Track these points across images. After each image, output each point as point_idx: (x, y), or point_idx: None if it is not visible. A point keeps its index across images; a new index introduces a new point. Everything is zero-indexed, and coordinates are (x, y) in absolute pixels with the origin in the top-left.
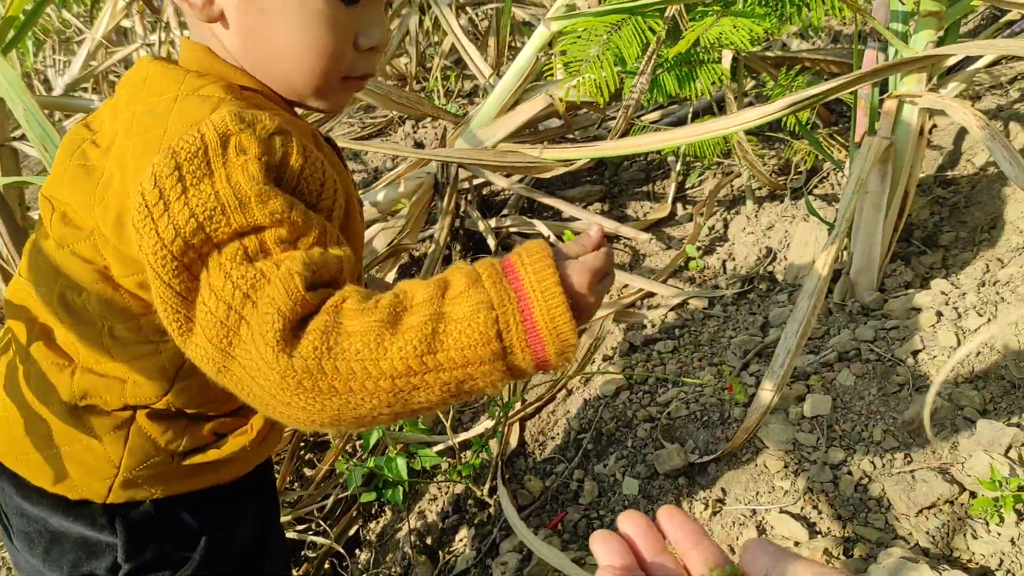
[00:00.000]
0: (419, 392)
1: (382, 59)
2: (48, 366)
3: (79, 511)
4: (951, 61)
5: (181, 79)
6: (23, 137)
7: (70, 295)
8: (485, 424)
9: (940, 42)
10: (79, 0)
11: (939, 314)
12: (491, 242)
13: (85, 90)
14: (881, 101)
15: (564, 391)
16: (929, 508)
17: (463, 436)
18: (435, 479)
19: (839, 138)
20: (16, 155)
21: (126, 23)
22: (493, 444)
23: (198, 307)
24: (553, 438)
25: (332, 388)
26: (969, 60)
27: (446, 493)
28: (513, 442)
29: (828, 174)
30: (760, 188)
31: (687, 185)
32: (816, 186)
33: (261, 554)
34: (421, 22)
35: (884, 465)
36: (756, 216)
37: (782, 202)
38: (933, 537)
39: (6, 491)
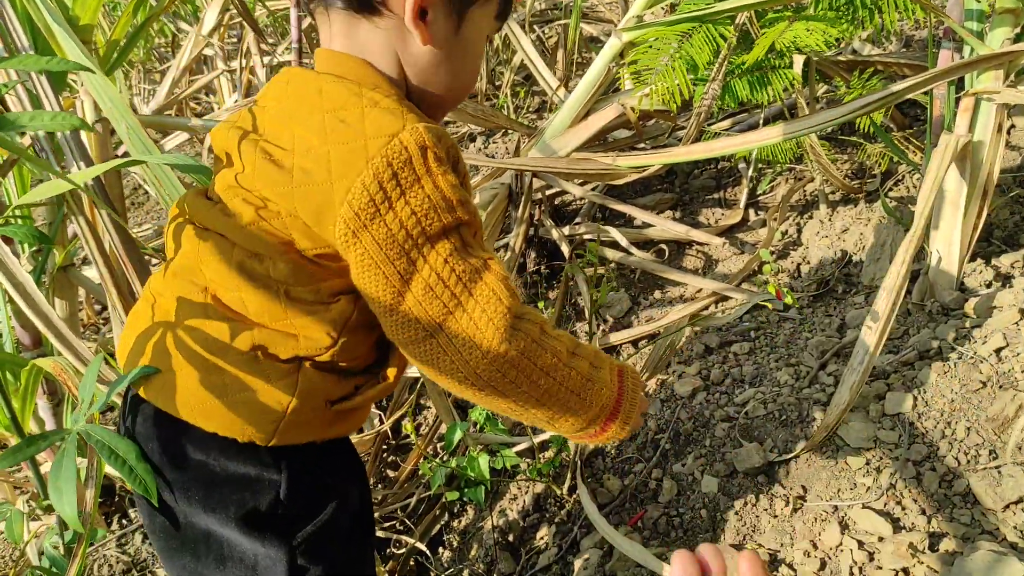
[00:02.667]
0: (553, 401)
1: None
2: (223, 325)
3: (247, 453)
4: None
5: (358, 92)
6: (125, 154)
7: (250, 264)
8: None
9: (1017, 39)
10: (162, 32)
11: (1022, 311)
12: (565, 250)
13: (170, 115)
14: (958, 100)
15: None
16: (1016, 503)
17: (542, 436)
18: (515, 478)
19: (914, 141)
20: (119, 173)
21: (207, 51)
22: (571, 444)
23: (415, 285)
24: (631, 438)
25: (519, 378)
26: None
27: (526, 492)
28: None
29: (903, 176)
30: (833, 192)
31: (759, 191)
32: (891, 189)
33: (357, 530)
34: (491, 40)
35: (969, 461)
36: (830, 220)
37: (856, 206)
38: (1021, 531)
39: (170, 445)
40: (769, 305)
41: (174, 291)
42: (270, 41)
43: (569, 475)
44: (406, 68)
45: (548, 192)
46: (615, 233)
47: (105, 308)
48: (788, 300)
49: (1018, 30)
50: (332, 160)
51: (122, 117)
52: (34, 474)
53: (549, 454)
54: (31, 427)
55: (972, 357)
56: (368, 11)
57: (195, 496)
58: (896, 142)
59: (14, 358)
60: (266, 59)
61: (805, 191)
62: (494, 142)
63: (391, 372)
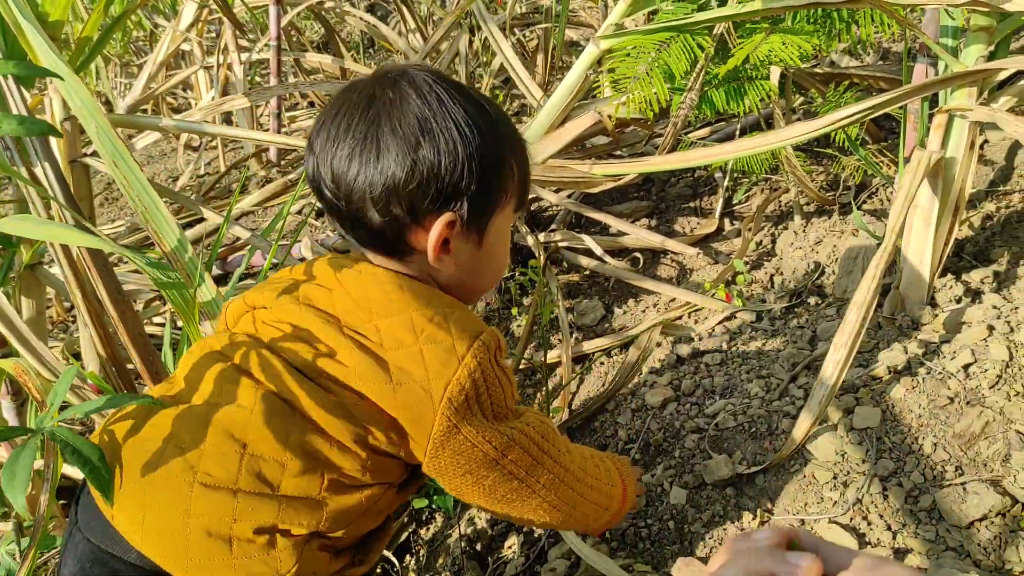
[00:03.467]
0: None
1: None
2: (251, 494)
3: None
4: (1002, 75)
5: (429, 296)
6: (94, 153)
7: (313, 442)
8: None
9: (991, 57)
10: (139, 26)
11: (991, 328)
12: (540, 255)
13: (145, 111)
14: (931, 116)
15: (612, 402)
16: (981, 520)
17: None
18: None
19: (888, 154)
20: (87, 171)
21: (184, 46)
22: None
23: (507, 457)
24: (601, 447)
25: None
26: (1021, 75)
27: None
28: None
29: (877, 189)
30: (808, 204)
31: (734, 201)
32: (865, 201)
33: None
34: (471, 42)
35: (935, 477)
36: (804, 231)
37: (830, 217)
38: (985, 549)
39: None
40: (744, 318)
41: (195, 430)
42: (249, 37)
43: None
44: (440, 283)
45: None
46: (589, 241)
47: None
48: (737, 303)
49: (992, 48)
50: (427, 359)
51: (91, 117)
52: None
53: None
54: None
55: (940, 373)
56: (397, 256)
57: None
58: (871, 155)
59: None
60: (244, 55)
61: (780, 202)
62: None
63: (372, 557)
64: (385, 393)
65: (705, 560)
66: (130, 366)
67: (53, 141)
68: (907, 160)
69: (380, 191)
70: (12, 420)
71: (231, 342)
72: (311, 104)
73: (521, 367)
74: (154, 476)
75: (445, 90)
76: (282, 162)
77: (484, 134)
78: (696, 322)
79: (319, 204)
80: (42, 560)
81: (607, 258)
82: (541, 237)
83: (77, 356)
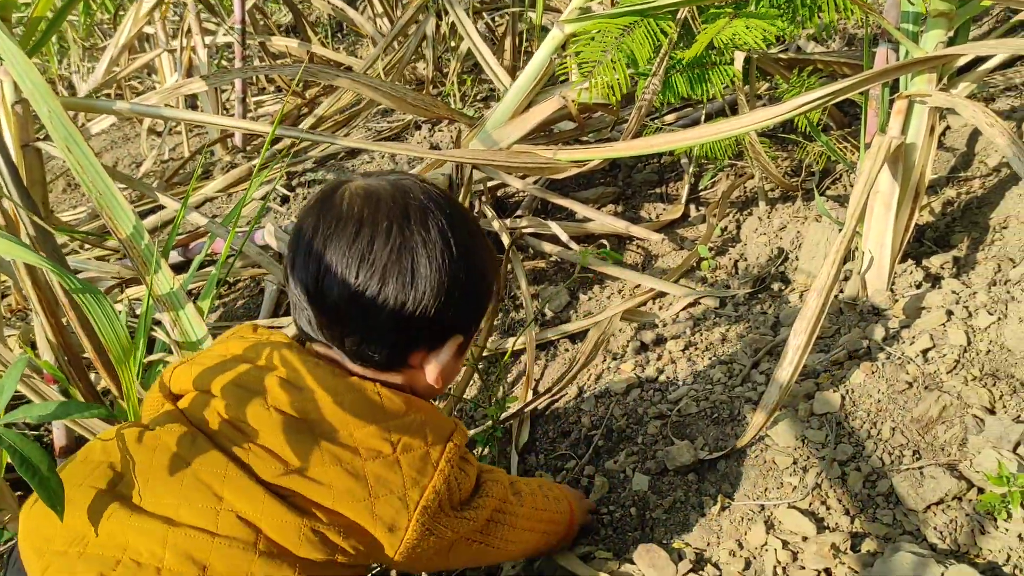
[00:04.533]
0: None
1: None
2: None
3: None
4: (962, 61)
5: (406, 404)
6: (47, 138)
7: (276, 570)
8: (489, 424)
9: (951, 42)
10: (103, 7)
11: (949, 313)
12: (505, 240)
13: (108, 95)
14: (892, 101)
15: (575, 388)
16: (937, 504)
17: (472, 432)
18: None
19: (851, 140)
20: (40, 155)
21: (148, 29)
22: (511, 433)
23: (479, 534)
24: (565, 434)
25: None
26: (980, 61)
27: None
28: (525, 436)
29: (840, 175)
30: (772, 189)
31: (700, 187)
32: (828, 187)
33: None
34: (438, 27)
35: (893, 462)
36: (768, 217)
37: (794, 203)
38: (941, 533)
39: None
40: (707, 304)
41: (151, 547)
42: (215, 20)
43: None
44: (419, 390)
45: (490, 184)
46: (555, 227)
47: None
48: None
49: (952, 33)
50: (404, 467)
51: (43, 100)
52: None
53: (485, 451)
54: None
55: (900, 358)
56: (391, 371)
57: None
58: (834, 141)
59: None
60: (208, 39)
61: (745, 188)
62: (440, 130)
63: None
64: (363, 510)
65: (666, 546)
66: (84, 356)
67: (4, 125)
68: (868, 146)
69: (409, 321)
70: None
71: (190, 437)
72: (278, 89)
73: (484, 355)
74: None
75: (456, 214)
76: (247, 147)
77: (492, 254)
78: (660, 308)
79: (303, 311)
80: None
81: (572, 244)
82: (507, 223)
83: (34, 345)
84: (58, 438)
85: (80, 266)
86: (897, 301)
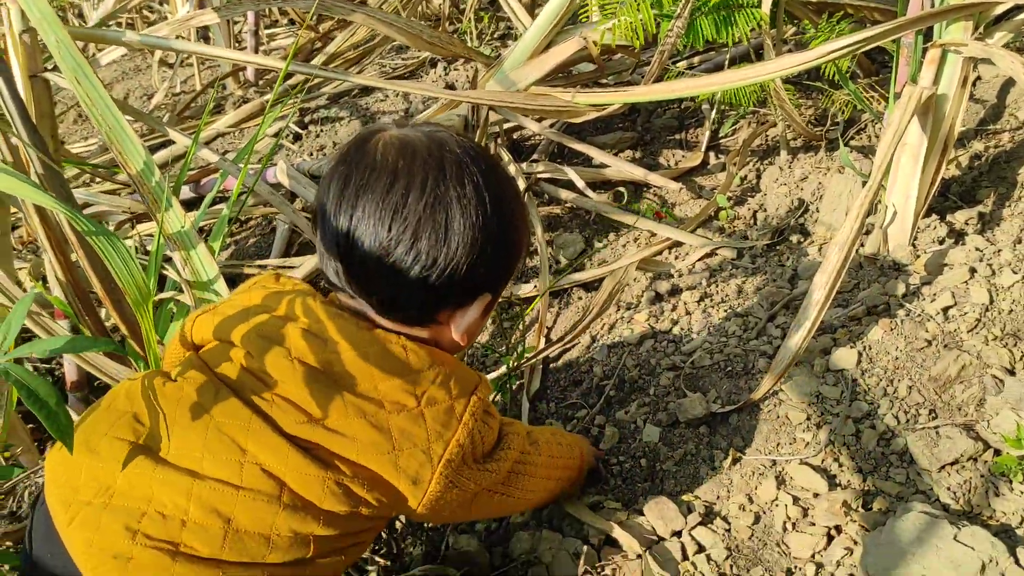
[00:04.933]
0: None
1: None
2: (236, 563)
3: None
4: (1000, 10)
5: (429, 357)
6: (56, 68)
7: (301, 521)
8: (502, 371)
9: None
10: None
11: (972, 270)
12: (521, 184)
13: (119, 25)
14: (924, 50)
15: (588, 337)
16: (952, 464)
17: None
18: None
19: (879, 89)
20: (49, 86)
21: None
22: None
23: (502, 485)
24: (576, 383)
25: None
26: (1018, 9)
27: None
28: (536, 384)
29: (866, 125)
30: (795, 138)
31: (721, 134)
32: (853, 138)
33: None
34: None
35: (908, 420)
36: (790, 167)
37: (817, 153)
38: (955, 493)
39: None
40: (725, 254)
41: (176, 499)
42: None
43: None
44: (443, 345)
45: (506, 126)
46: (571, 173)
47: None
48: (669, 216)
49: None
50: (428, 420)
51: (51, 29)
52: None
53: (497, 398)
54: None
55: (920, 315)
56: (418, 325)
57: None
58: (861, 90)
59: None
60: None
61: (767, 136)
62: (455, 69)
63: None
64: (387, 463)
65: (676, 498)
66: (93, 292)
67: (12, 55)
68: (898, 96)
69: (440, 278)
70: None
71: (213, 389)
72: (291, 22)
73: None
74: (131, 546)
75: (492, 171)
76: (259, 82)
77: (524, 213)
78: (676, 258)
79: (330, 261)
80: (10, 484)
81: (589, 192)
82: (523, 167)
83: (45, 280)
84: (69, 373)
85: (91, 200)
86: (919, 257)
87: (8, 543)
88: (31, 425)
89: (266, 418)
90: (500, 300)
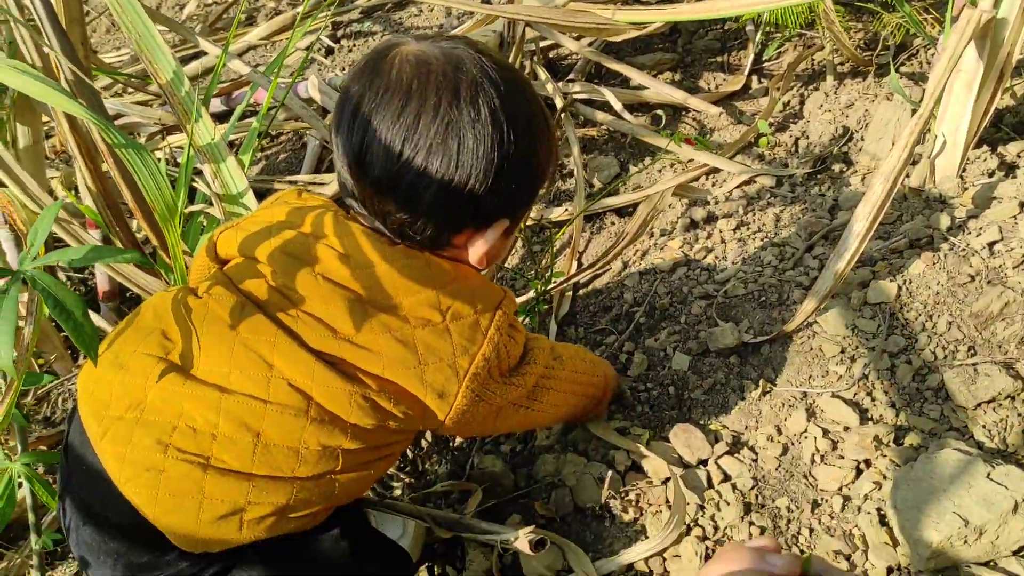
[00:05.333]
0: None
1: None
2: (265, 477)
3: None
4: None
5: (454, 271)
6: None
7: (328, 434)
8: (530, 295)
9: None
10: None
11: (1022, 204)
12: (558, 103)
13: None
14: None
15: (620, 264)
16: (989, 402)
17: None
18: None
19: (934, 12)
20: None
21: None
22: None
23: (526, 398)
24: (606, 309)
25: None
26: None
27: None
28: (566, 308)
29: (918, 51)
30: (843, 63)
31: (765, 57)
32: (904, 63)
33: None
34: None
35: (946, 356)
36: (836, 93)
37: (865, 79)
38: (990, 432)
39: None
40: (763, 182)
41: (206, 415)
42: None
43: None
44: (472, 259)
45: (542, 44)
46: (608, 95)
47: None
48: (701, 143)
49: None
50: (454, 335)
51: None
52: None
53: (526, 321)
54: None
55: (964, 249)
56: (434, 250)
57: None
58: (915, 12)
59: None
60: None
61: (813, 60)
62: None
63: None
64: (413, 377)
65: (704, 428)
66: (124, 203)
67: None
68: (955, 19)
69: (454, 202)
70: (11, 254)
71: (239, 305)
72: None
73: (529, 224)
74: (164, 459)
75: (512, 92)
76: None
77: (550, 135)
78: (714, 185)
79: (348, 181)
80: (44, 390)
81: (626, 114)
82: (559, 86)
83: (76, 190)
84: (101, 283)
85: (122, 110)
86: (967, 189)
87: (43, 447)
88: (64, 334)
89: (291, 334)
90: (531, 223)
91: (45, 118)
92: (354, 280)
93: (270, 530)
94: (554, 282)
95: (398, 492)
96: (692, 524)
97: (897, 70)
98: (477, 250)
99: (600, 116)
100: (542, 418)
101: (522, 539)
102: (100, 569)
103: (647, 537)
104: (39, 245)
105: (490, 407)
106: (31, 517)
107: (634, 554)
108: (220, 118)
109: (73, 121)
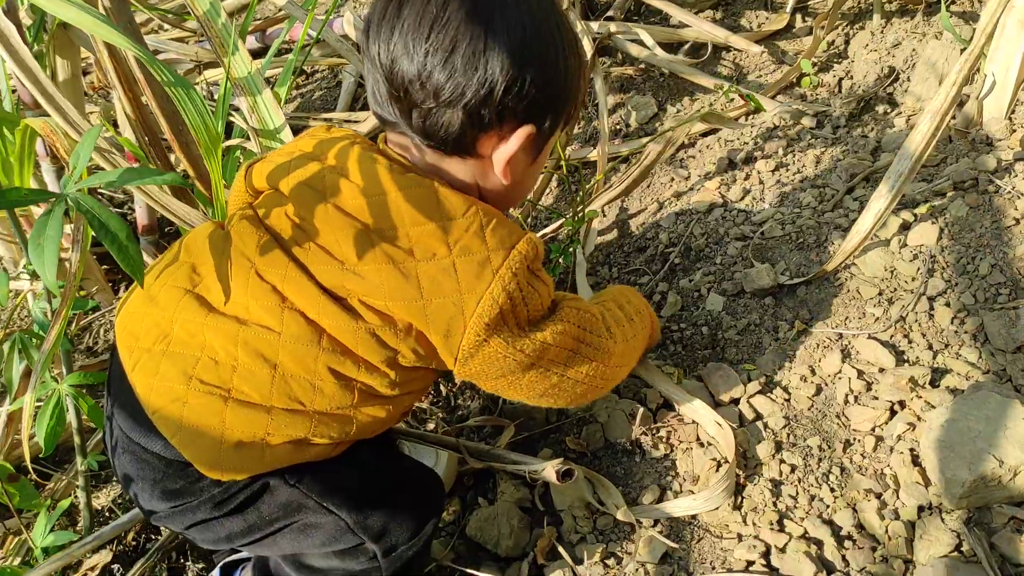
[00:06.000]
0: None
1: None
2: (284, 410)
3: None
4: None
5: (466, 204)
6: None
7: (341, 365)
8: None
9: None
10: None
11: None
12: (587, 45)
13: None
14: None
15: (655, 203)
16: None
17: (545, 234)
18: None
19: None
20: None
21: None
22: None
23: (541, 359)
24: (640, 249)
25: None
26: None
27: None
28: (592, 244)
29: None
30: (890, 1)
31: None
32: (954, 1)
33: None
34: None
35: (987, 300)
36: (882, 32)
37: (913, 18)
38: None
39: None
40: (804, 123)
41: (226, 347)
42: None
43: (569, 282)
44: (483, 190)
45: None
46: (644, 35)
47: None
48: (755, 103)
49: None
50: (460, 271)
51: None
52: (18, 235)
53: (560, 260)
54: (32, 186)
55: (1010, 192)
56: (457, 155)
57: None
58: None
59: (8, 116)
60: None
61: None
62: None
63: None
64: (415, 311)
65: (737, 367)
66: (163, 136)
67: None
68: None
69: (476, 93)
70: (52, 184)
71: (259, 238)
72: None
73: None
74: (187, 391)
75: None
76: None
77: (577, 50)
78: (753, 126)
79: (375, 83)
80: (87, 321)
81: (658, 51)
82: (595, 26)
83: (116, 124)
84: (140, 217)
85: (160, 47)
86: (1015, 131)
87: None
88: (106, 267)
89: (301, 267)
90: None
91: (84, 53)
92: (363, 210)
93: (292, 457)
94: (584, 222)
95: (431, 426)
96: (722, 461)
97: (947, 8)
98: (501, 158)
99: (635, 51)
100: (582, 390)
101: (549, 469)
102: (140, 493)
103: (677, 474)
104: (82, 167)
105: (506, 360)
106: (76, 439)
107: (680, 508)
108: (256, 55)
109: (112, 50)
